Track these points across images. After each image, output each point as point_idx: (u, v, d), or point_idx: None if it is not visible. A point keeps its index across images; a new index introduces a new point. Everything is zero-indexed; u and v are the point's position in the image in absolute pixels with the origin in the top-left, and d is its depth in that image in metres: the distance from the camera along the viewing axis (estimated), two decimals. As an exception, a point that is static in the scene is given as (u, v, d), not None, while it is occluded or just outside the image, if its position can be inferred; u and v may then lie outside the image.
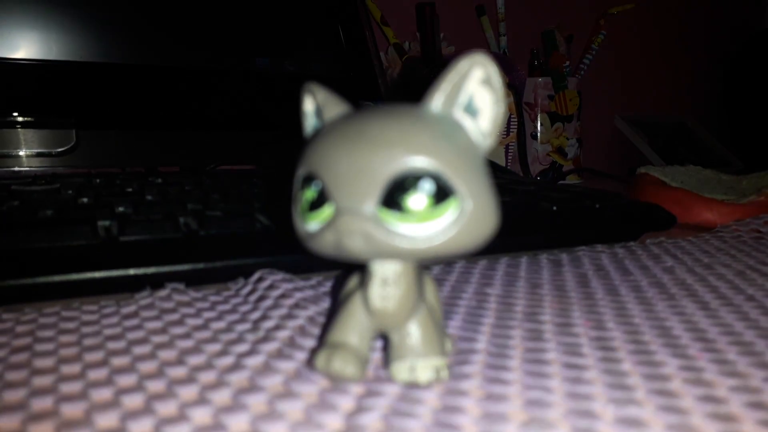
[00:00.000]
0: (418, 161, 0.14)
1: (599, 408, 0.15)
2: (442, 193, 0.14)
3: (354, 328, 0.16)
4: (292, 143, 0.18)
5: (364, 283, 0.16)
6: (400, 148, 0.14)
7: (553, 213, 0.34)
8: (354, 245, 0.14)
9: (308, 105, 0.17)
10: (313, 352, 0.17)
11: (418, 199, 0.14)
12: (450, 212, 0.14)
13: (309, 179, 0.15)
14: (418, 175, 0.14)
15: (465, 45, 0.60)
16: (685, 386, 0.16)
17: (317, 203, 0.15)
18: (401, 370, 0.16)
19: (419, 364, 0.16)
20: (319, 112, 0.17)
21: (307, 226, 0.15)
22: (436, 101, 0.15)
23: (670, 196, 0.43)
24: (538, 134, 0.70)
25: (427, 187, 0.14)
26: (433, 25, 0.62)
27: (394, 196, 0.14)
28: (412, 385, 0.16)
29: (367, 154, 0.14)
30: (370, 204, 0.14)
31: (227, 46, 0.48)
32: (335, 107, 0.16)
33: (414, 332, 0.16)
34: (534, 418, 0.14)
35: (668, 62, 1.01)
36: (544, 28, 0.74)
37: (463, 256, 0.14)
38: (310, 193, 0.15)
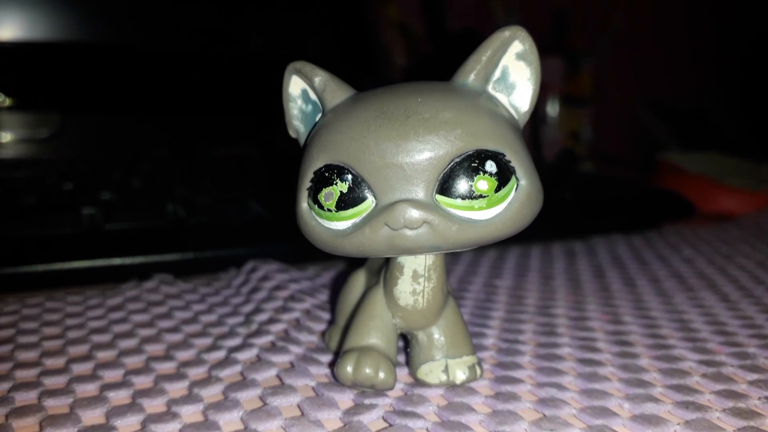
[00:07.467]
0: (483, 141, 0.13)
1: (615, 405, 0.15)
2: (503, 174, 0.13)
3: (378, 329, 0.15)
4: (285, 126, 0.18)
5: (387, 279, 0.15)
6: (460, 128, 0.13)
7: (567, 200, 0.34)
8: (418, 238, 0.13)
9: (294, 88, 0.16)
10: (333, 364, 0.16)
11: (483, 183, 0.13)
12: (512, 193, 0.13)
13: (335, 172, 0.14)
14: (482, 156, 0.13)
15: (472, 25, 0.59)
16: (705, 382, 0.16)
17: (348, 198, 0.14)
18: (434, 371, 0.16)
19: (453, 364, 0.15)
20: (307, 95, 0.16)
21: (333, 225, 0.14)
22: (470, 76, 0.14)
23: (689, 184, 0.43)
24: (551, 118, 0.70)
25: (491, 168, 0.13)
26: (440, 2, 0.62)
27: (453, 182, 0.13)
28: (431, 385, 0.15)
29: (422, 137, 0.13)
30: (427, 192, 0.13)
31: (217, 26, 0.47)
32: (340, 91, 0.15)
33: (444, 330, 0.16)
34: (547, 417, 0.14)
35: (688, 44, 1.00)
36: (558, 8, 0.73)
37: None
38: (337, 188, 0.14)
